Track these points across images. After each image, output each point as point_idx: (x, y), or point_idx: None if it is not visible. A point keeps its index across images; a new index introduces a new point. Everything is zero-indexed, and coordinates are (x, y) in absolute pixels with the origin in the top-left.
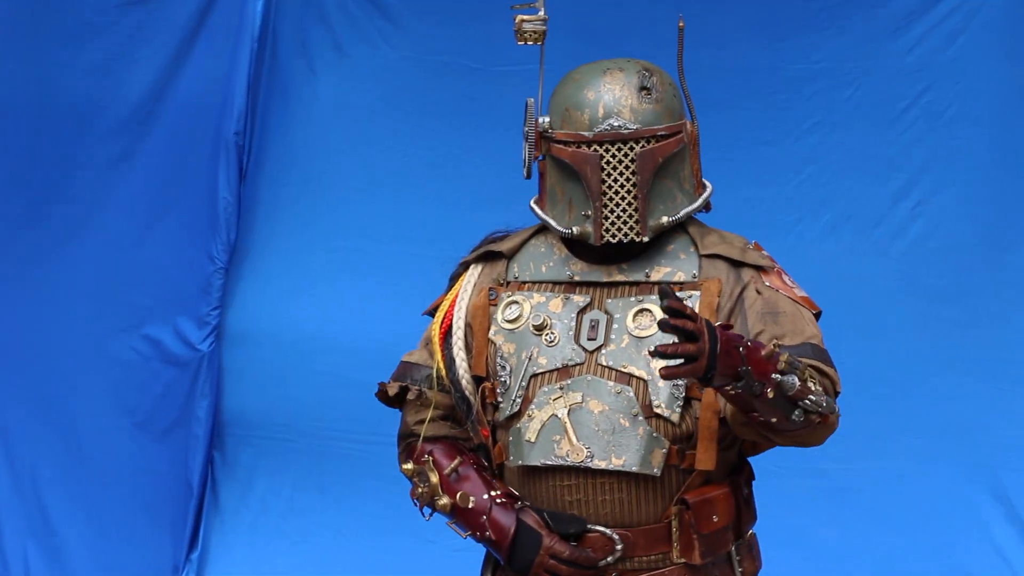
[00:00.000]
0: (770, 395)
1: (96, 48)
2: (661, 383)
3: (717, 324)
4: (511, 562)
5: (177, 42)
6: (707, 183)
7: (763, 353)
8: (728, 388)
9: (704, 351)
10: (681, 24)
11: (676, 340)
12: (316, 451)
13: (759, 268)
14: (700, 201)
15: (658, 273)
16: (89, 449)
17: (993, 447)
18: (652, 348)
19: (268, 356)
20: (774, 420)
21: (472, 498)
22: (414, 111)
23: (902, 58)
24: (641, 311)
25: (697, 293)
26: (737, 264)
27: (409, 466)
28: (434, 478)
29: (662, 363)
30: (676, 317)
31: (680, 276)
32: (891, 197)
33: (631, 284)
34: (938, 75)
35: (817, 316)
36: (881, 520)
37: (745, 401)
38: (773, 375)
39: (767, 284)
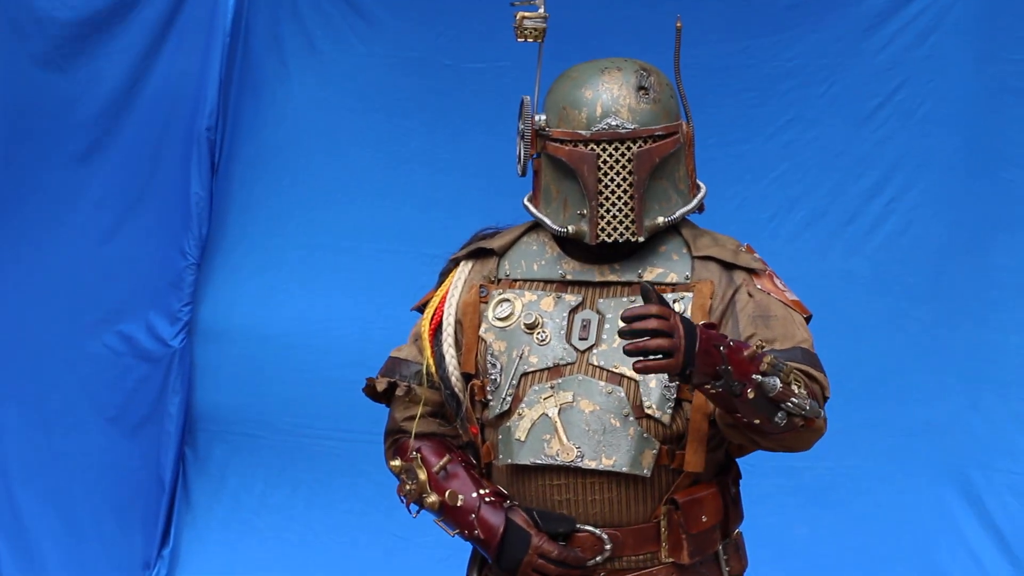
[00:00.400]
0: (751, 395)
1: (66, 43)
2: (652, 383)
3: (701, 323)
4: (499, 561)
5: (149, 37)
6: (701, 184)
7: (746, 354)
8: (708, 387)
9: (679, 347)
10: (679, 25)
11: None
12: (289, 448)
13: (751, 271)
14: (695, 202)
15: (651, 274)
16: (60, 445)
17: (967, 447)
18: (625, 346)
19: (240, 352)
20: (757, 422)
21: (461, 496)
22: (387, 108)
23: (875, 56)
24: None
25: (689, 295)
26: (729, 266)
27: (397, 463)
28: (422, 475)
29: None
30: (643, 319)
31: (672, 277)
32: (864, 194)
33: (623, 284)
34: (910, 73)
35: (808, 320)
36: (853, 519)
37: (726, 401)
38: (754, 375)
39: (759, 287)
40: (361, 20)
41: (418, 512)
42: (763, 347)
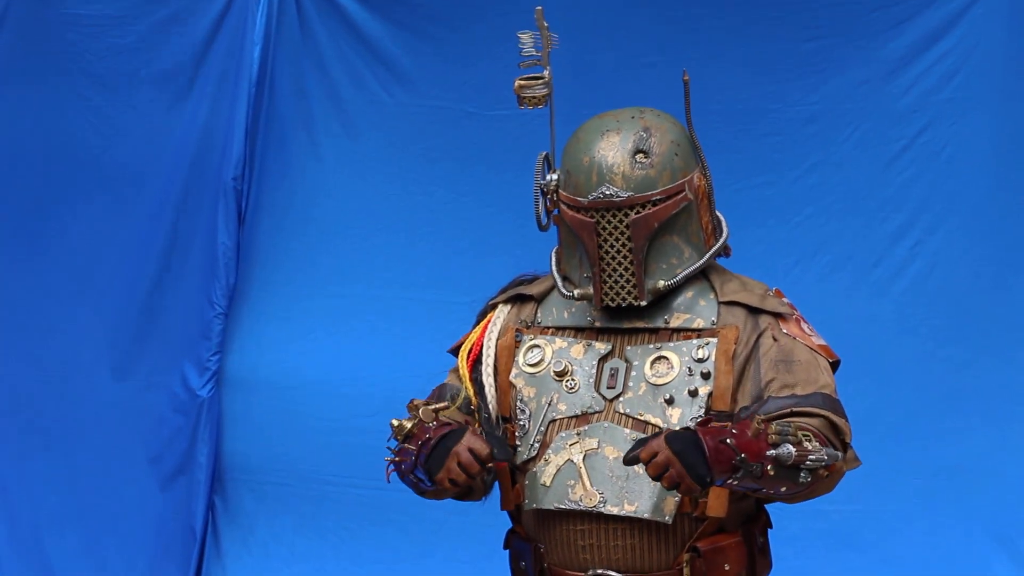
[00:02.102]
0: (771, 472)
1: (94, 94)
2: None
3: (697, 423)
4: (430, 456)
5: (175, 88)
6: (724, 227)
7: (750, 433)
8: (731, 482)
9: (682, 475)
10: (686, 78)
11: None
12: (317, 496)
13: (778, 315)
14: (708, 255)
15: (677, 320)
16: (95, 496)
17: (995, 488)
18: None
19: (268, 401)
20: (784, 489)
21: (434, 424)
22: (412, 157)
23: (899, 99)
24: (659, 359)
25: (714, 340)
26: (755, 311)
27: (396, 420)
28: (422, 415)
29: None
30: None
31: (699, 323)
32: (889, 237)
33: (650, 331)
34: (935, 115)
35: (835, 365)
36: (882, 561)
37: (751, 486)
38: (768, 452)
39: (784, 331)
40: (385, 69)
41: (390, 468)
42: (761, 421)
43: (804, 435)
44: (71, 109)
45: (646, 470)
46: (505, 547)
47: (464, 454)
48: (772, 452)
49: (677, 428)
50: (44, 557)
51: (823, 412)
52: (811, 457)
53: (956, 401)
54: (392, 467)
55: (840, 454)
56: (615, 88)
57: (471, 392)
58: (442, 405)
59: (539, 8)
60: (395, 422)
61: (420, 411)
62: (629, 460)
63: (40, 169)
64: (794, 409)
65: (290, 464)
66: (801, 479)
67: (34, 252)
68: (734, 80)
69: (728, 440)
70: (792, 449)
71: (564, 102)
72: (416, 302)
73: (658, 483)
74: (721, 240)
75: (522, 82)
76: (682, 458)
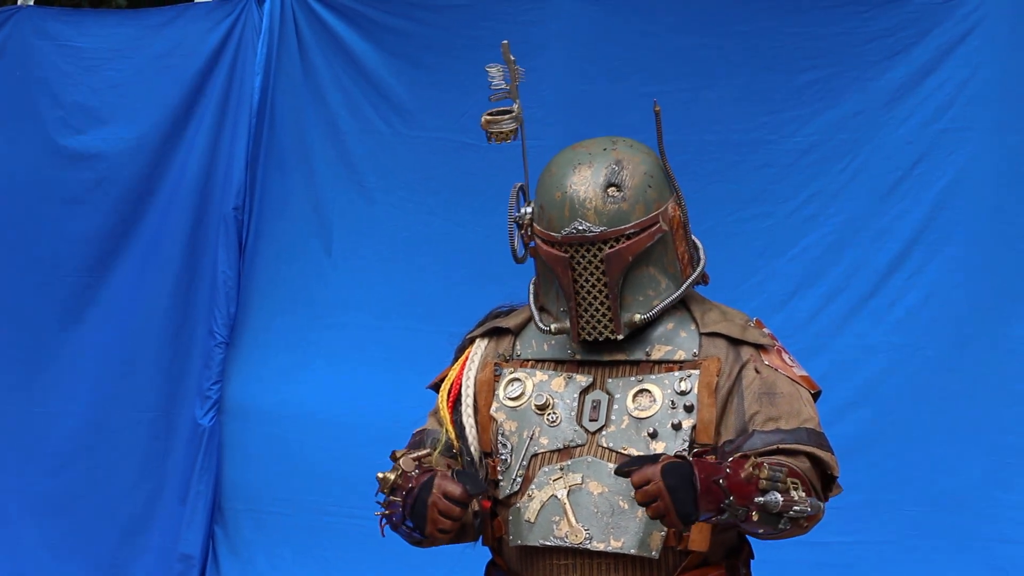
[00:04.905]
0: (755, 518)
1: (90, 125)
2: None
3: (693, 455)
4: (413, 508)
5: (172, 119)
6: (702, 255)
7: (743, 475)
8: (713, 520)
9: (669, 508)
10: (657, 109)
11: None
12: (317, 526)
13: (759, 346)
14: (685, 286)
15: (658, 352)
16: (95, 523)
17: (991, 517)
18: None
19: (268, 430)
20: (761, 531)
21: (416, 472)
22: (409, 187)
23: (895, 130)
24: (641, 391)
25: (696, 372)
26: (737, 342)
27: (381, 473)
28: (403, 465)
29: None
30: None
31: (680, 355)
32: (886, 267)
33: (631, 363)
34: (930, 146)
35: (816, 396)
36: None
37: (732, 525)
38: (756, 499)
39: (766, 363)
40: (383, 100)
41: (383, 522)
42: (758, 465)
43: (793, 483)
44: (67, 139)
45: (634, 494)
46: None
47: (440, 501)
48: (760, 499)
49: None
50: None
51: (809, 449)
52: (795, 508)
53: (953, 431)
54: (384, 520)
55: (822, 504)
56: (611, 118)
57: (452, 435)
58: (423, 453)
59: (505, 42)
60: (380, 475)
61: (401, 461)
62: (620, 472)
63: (35, 199)
64: (780, 447)
65: (290, 494)
66: (781, 526)
67: (27, 279)
68: (730, 111)
69: (720, 480)
70: (779, 498)
71: (561, 131)
72: (415, 332)
73: (644, 518)
74: (698, 269)
75: (489, 117)
76: (673, 494)
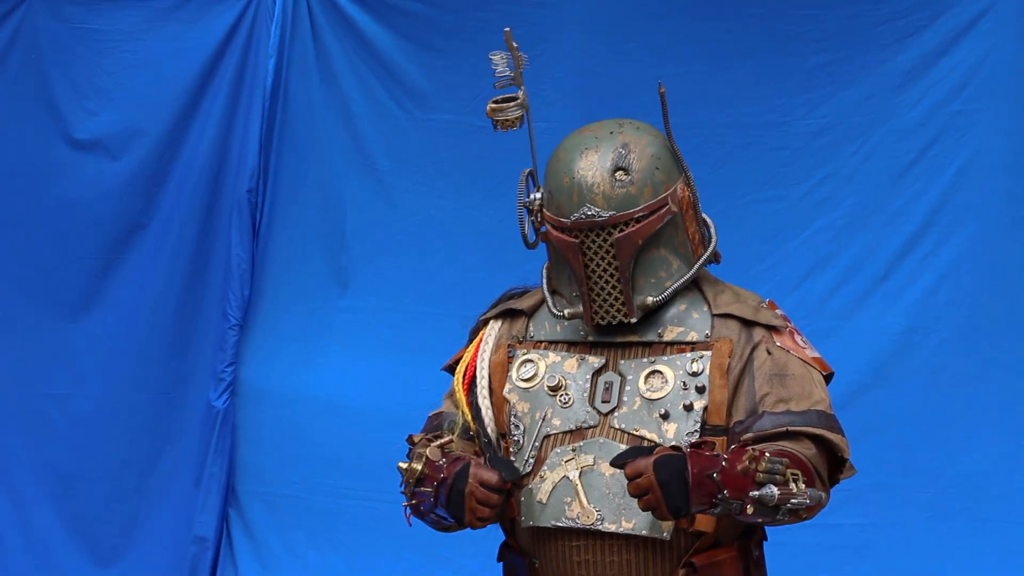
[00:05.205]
0: (750, 511)
1: (104, 108)
2: (672, 444)
3: (690, 447)
4: (449, 500)
5: (186, 101)
6: (713, 234)
7: (739, 468)
8: (707, 512)
9: (660, 501)
10: (662, 90)
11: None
12: (330, 509)
13: (771, 327)
14: (697, 266)
15: (671, 333)
16: (109, 505)
17: (1005, 499)
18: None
19: (282, 413)
20: (760, 521)
21: (444, 461)
22: (423, 170)
23: (907, 112)
24: (653, 372)
25: (708, 353)
26: (749, 323)
27: (404, 463)
28: (425, 452)
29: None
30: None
31: (692, 336)
32: (899, 250)
33: (643, 345)
34: (943, 128)
35: (829, 377)
36: (891, 572)
37: (728, 515)
38: (752, 492)
39: (778, 344)
40: (396, 83)
41: (408, 512)
42: (755, 458)
43: (793, 475)
44: (81, 123)
45: (627, 485)
46: (499, 559)
47: (478, 491)
48: (755, 493)
49: (673, 443)
50: (56, 563)
51: (818, 431)
52: (793, 500)
53: (967, 413)
54: (410, 510)
55: (823, 494)
56: (624, 99)
57: (468, 417)
58: (446, 440)
59: (507, 29)
60: (403, 466)
61: (428, 451)
62: (614, 463)
63: (49, 182)
64: (789, 428)
65: (304, 477)
66: (779, 517)
67: (43, 274)
68: (743, 93)
69: (714, 474)
70: (775, 491)
71: (575, 114)
72: (428, 316)
73: None
74: (710, 248)
75: (494, 105)
76: (664, 487)
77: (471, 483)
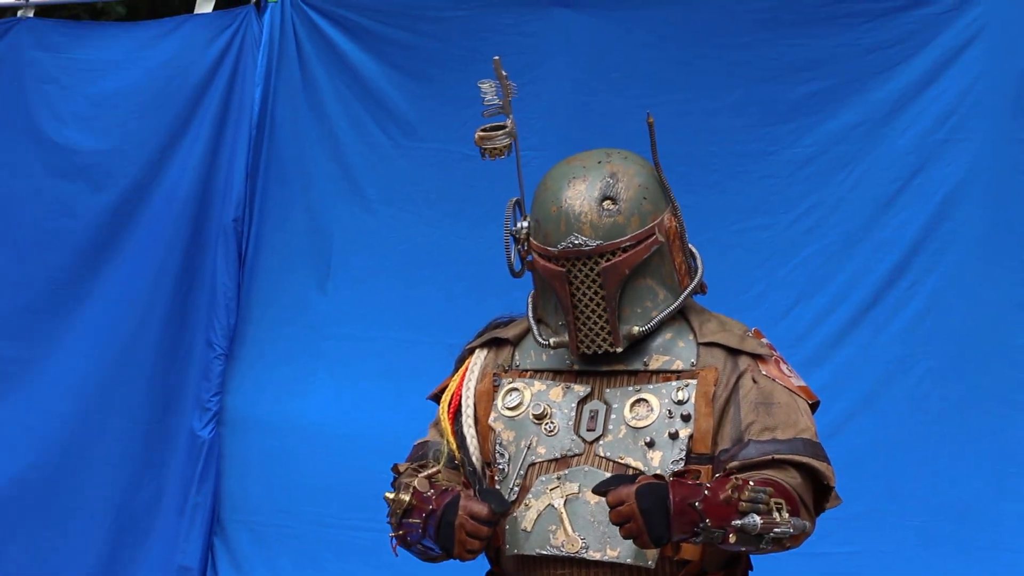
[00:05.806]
0: (732, 540)
1: (88, 136)
2: (656, 472)
3: (673, 476)
4: (439, 532)
5: (171, 130)
6: (699, 264)
7: (722, 497)
8: (689, 541)
9: (641, 530)
10: (650, 120)
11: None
12: (316, 538)
13: (757, 356)
14: (683, 296)
15: (656, 362)
16: (93, 535)
17: (994, 529)
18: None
19: (268, 442)
20: (743, 550)
21: (432, 492)
22: (410, 199)
23: (895, 140)
24: (638, 401)
25: (694, 382)
26: (735, 352)
27: (391, 493)
28: (413, 482)
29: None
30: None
31: (678, 364)
32: (886, 278)
33: (629, 373)
34: (930, 156)
35: (814, 406)
36: None
37: (710, 544)
38: (734, 522)
39: (764, 373)
40: (383, 112)
41: (395, 542)
42: (739, 488)
43: (777, 504)
44: (64, 152)
45: (609, 513)
46: None
47: (468, 523)
48: (738, 522)
49: (658, 471)
50: None
51: (803, 459)
52: (776, 530)
53: (954, 440)
54: (396, 541)
55: (807, 524)
56: (612, 128)
57: (453, 447)
58: (434, 471)
59: (496, 58)
60: (390, 496)
61: (416, 482)
62: (597, 491)
63: (31, 209)
64: (775, 457)
65: (290, 506)
66: (762, 546)
67: (21, 289)
68: (730, 122)
69: (697, 503)
70: (758, 521)
71: (563, 143)
72: (416, 344)
73: None
74: (696, 279)
75: (482, 134)
76: (645, 516)
77: (461, 515)
